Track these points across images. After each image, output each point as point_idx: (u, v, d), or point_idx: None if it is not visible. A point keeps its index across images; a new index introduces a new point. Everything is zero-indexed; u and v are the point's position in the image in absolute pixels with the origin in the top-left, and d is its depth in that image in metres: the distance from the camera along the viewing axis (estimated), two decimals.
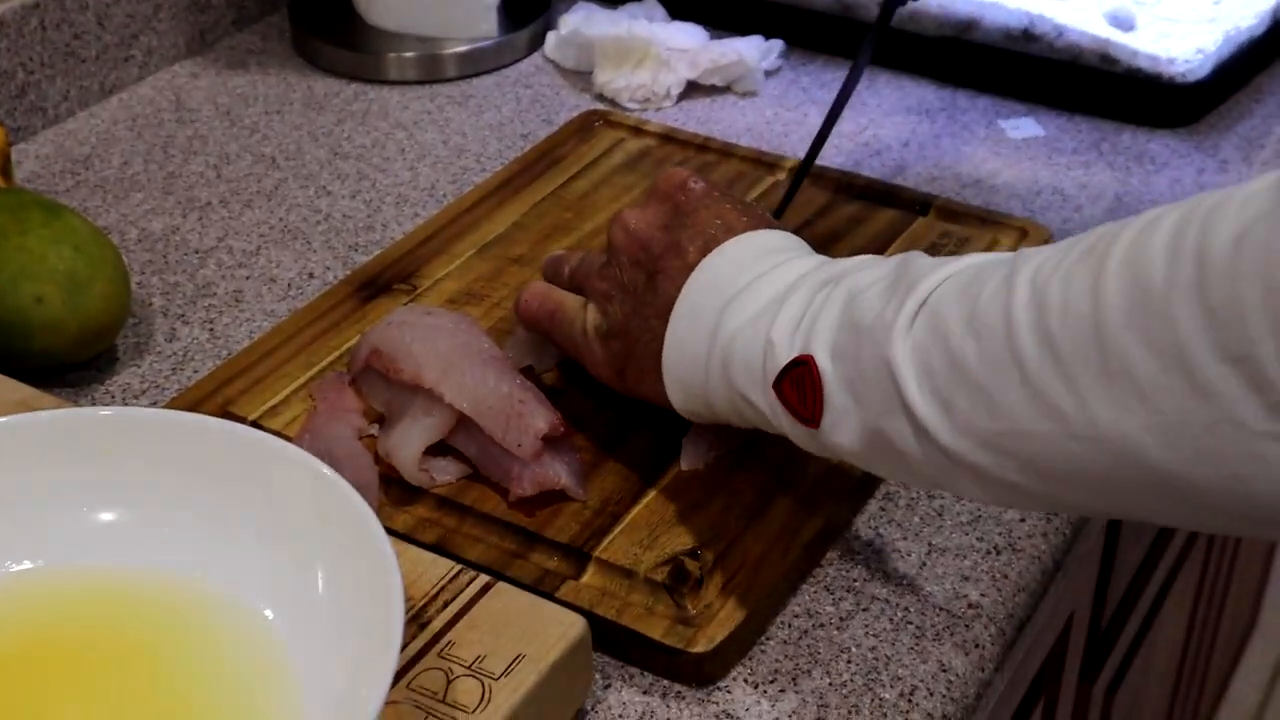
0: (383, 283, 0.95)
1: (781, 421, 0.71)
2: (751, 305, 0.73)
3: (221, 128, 1.16)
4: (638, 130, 1.13)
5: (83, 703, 0.62)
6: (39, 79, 1.14)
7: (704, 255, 0.77)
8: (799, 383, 0.69)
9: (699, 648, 0.69)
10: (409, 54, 1.24)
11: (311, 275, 0.99)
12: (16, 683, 0.62)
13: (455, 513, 0.78)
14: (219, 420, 0.69)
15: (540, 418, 0.78)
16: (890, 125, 1.14)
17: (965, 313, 0.63)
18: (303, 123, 1.17)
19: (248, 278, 0.99)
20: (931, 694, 0.70)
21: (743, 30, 1.24)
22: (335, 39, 1.25)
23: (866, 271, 0.70)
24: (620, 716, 0.69)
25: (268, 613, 0.64)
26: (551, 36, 1.26)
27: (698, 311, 0.75)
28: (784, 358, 0.69)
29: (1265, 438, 0.52)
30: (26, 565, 0.66)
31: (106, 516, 0.67)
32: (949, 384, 0.63)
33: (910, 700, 0.69)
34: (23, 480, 0.67)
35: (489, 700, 0.63)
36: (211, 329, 0.94)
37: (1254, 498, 0.55)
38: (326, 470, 0.65)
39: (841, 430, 0.68)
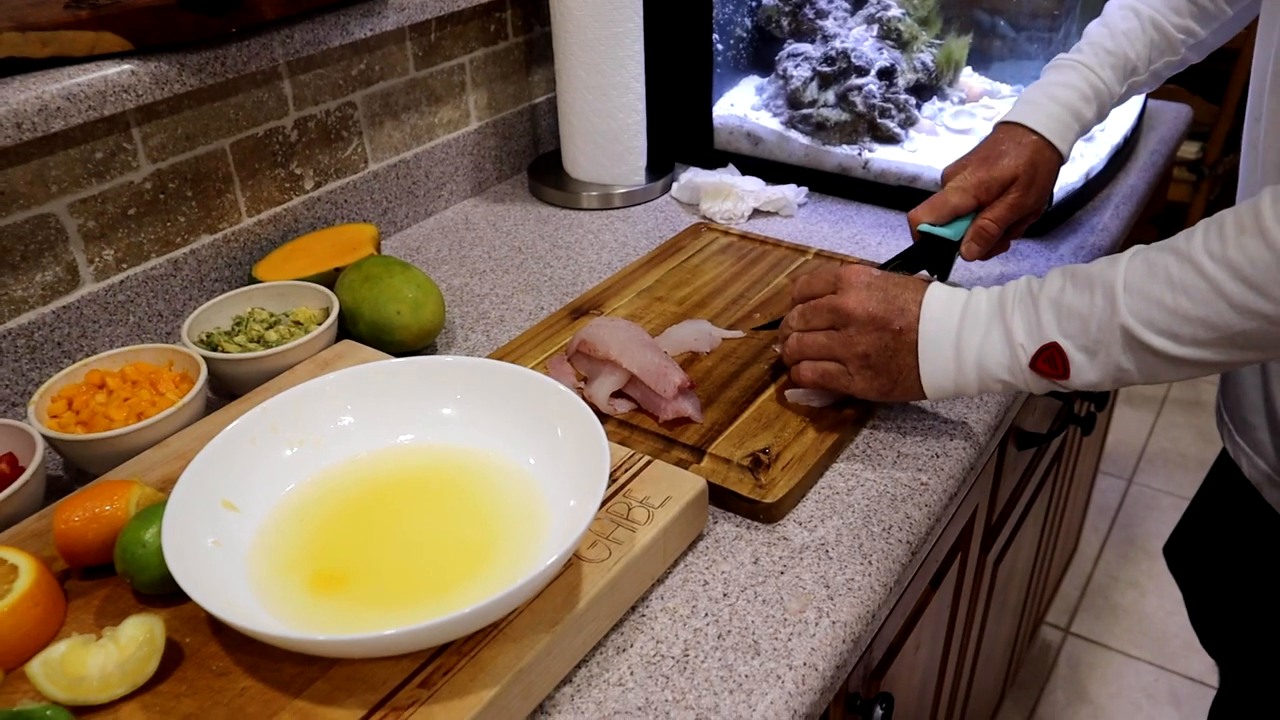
0: (582, 309, 0.94)
1: (1032, 383, 0.68)
2: (978, 329, 0.69)
3: (490, 233, 1.14)
4: (725, 233, 1.09)
5: (430, 510, 0.62)
6: (395, 204, 1.13)
7: (917, 309, 0.71)
8: (1050, 360, 0.66)
9: (768, 500, 0.69)
10: (594, 193, 1.19)
11: (542, 309, 0.98)
12: (397, 499, 0.63)
13: (628, 429, 0.77)
14: (506, 363, 0.68)
15: (677, 375, 0.77)
16: (871, 234, 1.11)
17: (1165, 283, 0.61)
18: (535, 230, 1.14)
19: (507, 309, 0.98)
20: (900, 530, 0.69)
21: (784, 181, 1.19)
22: (553, 185, 1.21)
23: (1047, 285, 0.67)
24: (722, 537, 0.69)
25: (531, 460, 0.64)
26: (676, 184, 1.21)
27: (937, 344, 0.70)
28: (1034, 347, 0.67)
29: None
30: (408, 437, 0.67)
31: (446, 411, 0.67)
32: (1172, 324, 0.61)
33: (888, 534, 0.69)
34: (407, 390, 0.68)
35: (651, 520, 0.63)
36: (488, 335, 0.94)
37: None
38: (564, 388, 0.65)
39: (1085, 374, 0.66)
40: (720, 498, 0.71)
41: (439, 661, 0.54)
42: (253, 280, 0.95)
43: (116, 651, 0.54)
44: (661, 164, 1.25)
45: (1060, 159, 0.90)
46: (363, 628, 0.54)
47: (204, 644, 0.57)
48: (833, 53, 1.17)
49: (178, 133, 0.90)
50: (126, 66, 0.82)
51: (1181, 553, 1.07)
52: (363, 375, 0.68)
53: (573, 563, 0.60)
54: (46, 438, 0.73)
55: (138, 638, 0.54)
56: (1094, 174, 1.14)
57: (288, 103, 0.99)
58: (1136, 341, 0.62)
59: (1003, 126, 0.90)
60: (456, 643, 0.55)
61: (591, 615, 0.59)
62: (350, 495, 0.63)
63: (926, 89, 1.22)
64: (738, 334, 0.89)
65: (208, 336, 0.86)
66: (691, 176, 1.20)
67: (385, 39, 1.07)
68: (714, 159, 1.25)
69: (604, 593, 0.59)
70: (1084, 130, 0.91)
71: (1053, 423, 1.13)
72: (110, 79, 0.81)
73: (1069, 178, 1.09)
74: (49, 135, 0.80)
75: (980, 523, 0.99)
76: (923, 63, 1.19)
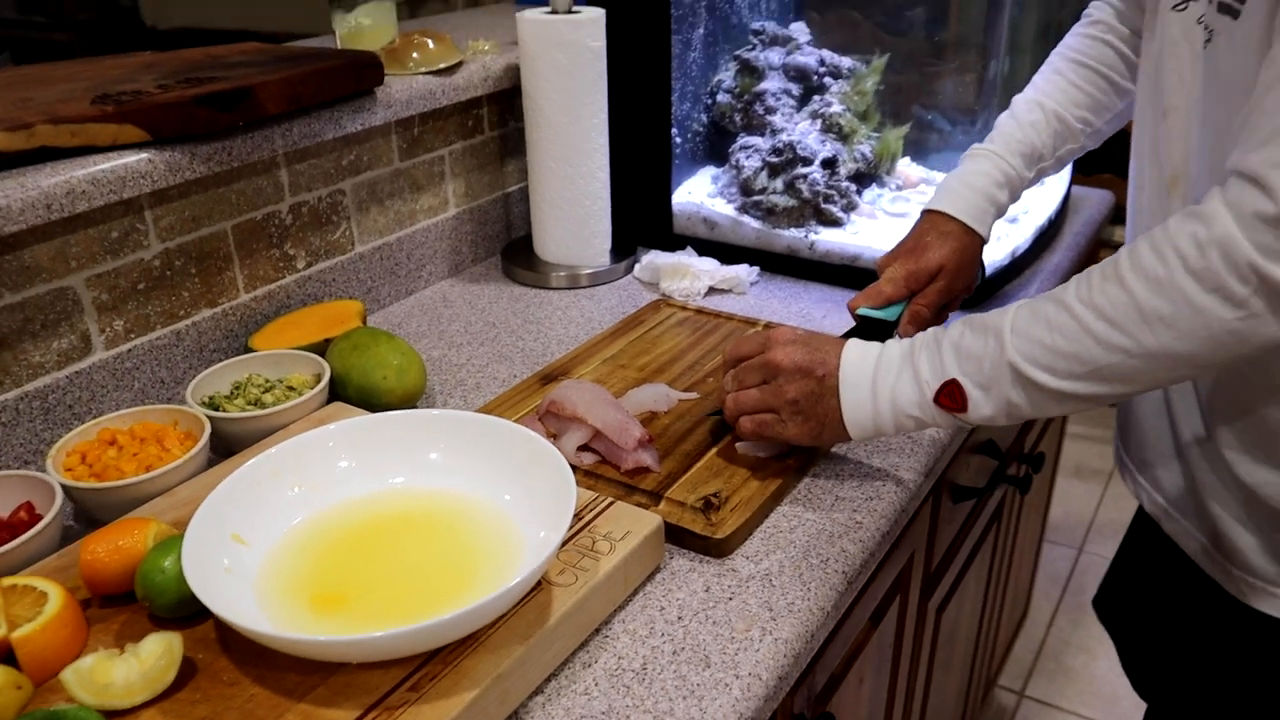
0: (551, 376, 1.01)
1: (938, 418, 0.77)
2: (890, 373, 0.78)
3: (467, 310, 1.22)
4: (683, 308, 1.18)
5: (419, 541, 0.70)
6: (379, 283, 1.22)
7: (837, 358, 0.80)
8: (950, 394, 0.76)
9: (718, 536, 0.77)
10: (562, 273, 1.28)
11: (515, 376, 1.05)
12: (390, 532, 0.70)
13: (594, 478, 0.84)
14: (485, 415, 0.77)
15: (636, 430, 0.85)
16: (818, 309, 1.19)
17: (1044, 326, 0.71)
18: (508, 308, 1.22)
19: (482, 377, 1.05)
20: (837, 562, 0.77)
21: (738, 261, 1.28)
22: (524, 266, 1.29)
23: (949, 333, 0.77)
24: (677, 570, 0.76)
25: (506, 497, 0.71)
26: (638, 265, 1.30)
27: (856, 387, 0.79)
28: (936, 384, 0.76)
29: (1228, 321, 0.64)
30: (400, 479, 0.75)
31: (433, 456, 0.75)
32: (1050, 360, 0.70)
33: (825, 565, 0.76)
34: (398, 439, 0.76)
35: (613, 551, 0.71)
36: (465, 399, 1.01)
37: (1223, 355, 0.66)
38: (536, 435, 0.73)
39: (981, 408, 0.75)
40: (676, 536, 0.79)
41: (426, 669, 0.62)
42: (248, 350, 1.03)
43: (138, 664, 0.61)
44: (624, 246, 1.35)
45: (982, 241, 1.02)
46: None
47: (215, 659, 0.64)
48: (780, 145, 1.30)
49: (185, 215, 1.00)
50: (144, 155, 0.92)
51: (1108, 601, 1.16)
52: (358, 426, 0.77)
53: (544, 586, 0.68)
54: (65, 487, 0.80)
55: (157, 651, 0.62)
56: (1019, 252, 1.25)
57: (284, 189, 1.09)
58: (1022, 377, 0.72)
59: (927, 214, 1.02)
60: (442, 653, 0.63)
61: (560, 632, 0.67)
62: (347, 529, 0.71)
63: (866, 177, 1.34)
64: (693, 396, 0.99)
65: (209, 399, 0.94)
66: (652, 258, 1.30)
67: (373, 132, 1.18)
68: (673, 242, 1.36)
69: (571, 612, 0.67)
70: (1000, 213, 1.03)
71: (988, 481, 1.22)
72: (130, 166, 0.91)
73: (997, 255, 1.19)
74: (73, 216, 0.90)
75: (919, 568, 1.07)
76: (862, 153, 1.32)
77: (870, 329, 0.96)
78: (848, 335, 0.97)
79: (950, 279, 0.98)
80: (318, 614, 0.64)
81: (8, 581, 0.66)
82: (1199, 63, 0.76)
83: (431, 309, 1.24)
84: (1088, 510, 2.51)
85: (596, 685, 0.66)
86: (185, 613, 0.66)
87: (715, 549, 0.78)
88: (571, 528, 0.73)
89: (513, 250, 1.36)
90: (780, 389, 0.82)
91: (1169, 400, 0.90)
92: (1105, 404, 0.75)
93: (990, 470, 1.25)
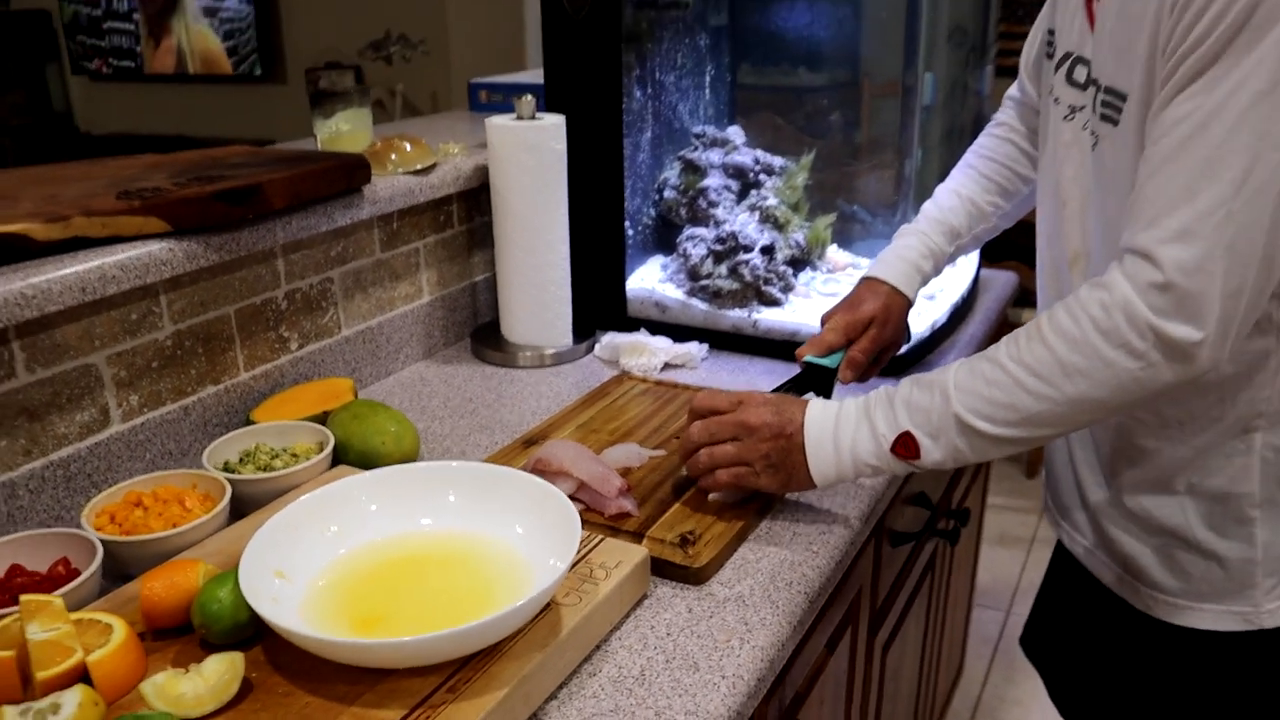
0: (533, 439, 1.11)
1: (894, 466, 0.89)
2: (849, 428, 0.90)
3: (444, 388, 1.32)
4: (643, 381, 1.29)
5: (445, 570, 0.80)
6: (362, 364, 1.32)
7: (802, 417, 0.92)
8: (904, 444, 0.88)
9: (696, 565, 0.88)
10: (529, 353, 1.39)
11: (497, 443, 1.15)
12: (416, 567, 0.80)
13: (582, 522, 0.88)
14: (495, 464, 0.88)
15: (616, 480, 0.96)
16: (763, 379, 1.31)
17: (983, 381, 0.84)
18: (482, 385, 1.32)
19: (467, 445, 1.15)
20: (799, 585, 0.88)
21: (689, 339, 1.41)
22: (493, 347, 1.40)
23: (899, 391, 0.89)
24: (661, 596, 0.87)
25: (519, 530, 0.82)
26: (598, 345, 1.42)
27: (820, 443, 0.91)
28: (892, 436, 0.88)
29: (1133, 371, 0.77)
30: (425, 521, 0.85)
31: (451, 499, 0.85)
32: (991, 411, 0.83)
33: (789, 587, 0.87)
34: (420, 485, 0.86)
35: (609, 577, 0.82)
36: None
37: (1129, 399, 0.80)
38: (541, 480, 0.85)
39: (932, 454, 0.87)
40: (658, 568, 0.90)
41: (460, 675, 0.71)
42: (249, 423, 1.12)
43: (202, 681, 0.69)
44: (584, 329, 1.48)
45: (908, 302, 1.17)
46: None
47: (268, 676, 0.73)
48: (724, 235, 1.45)
49: (195, 300, 1.10)
50: (166, 244, 1.03)
51: (1034, 638, 1.29)
52: (382, 475, 0.87)
53: (553, 606, 0.78)
54: (103, 541, 0.88)
55: (220, 668, 0.70)
56: (939, 325, 1.41)
57: (280, 277, 1.20)
58: (966, 426, 0.85)
59: (864, 280, 1.18)
60: (472, 660, 0.72)
61: (570, 643, 0.77)
62: (379, 564, 0.81)
63: (800, 262, 1.50)
64: (661, 453, 1.10)
65: (224, 464, 1.03)
66: (611, 338, 1.42)
67: (359, 226, 1.30)
68: (628, 324, 1.49)
69: (579, 626, 0.77)
70: (924, 281, 1.19)
71: (920, 529, 1.35)
72: (153, 254, 1.01)
73: (919, 328, 1.34)
74: (100, 299, 0.99)
75: (866, 604, 1.19)
76: (796, 241, 1.48)
77: (814, 374, 1.11)
78: (793, 380, 1.11)
79: (880, 328, 1.14)
80: (359, 633, 0.73)
81: (75, 615, 0.74)
82: (1089, 162, 0.93)
83: (411, 387, 1.34)
84: (1013, 575, 2.66)
85: (603, 689, 0.76)
86: (236, 639, 0.75)
87: (694, 577, 0.89)
88: (574, 559, 0.83)
89: (481, 333, 1.48)
90: (755, 446, 0.94)
91: (1072, 453, 1.05)
92: (1036, 445, 0.89)
93: (923, 519, 1.38)
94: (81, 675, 0.70)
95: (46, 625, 0.71)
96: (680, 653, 0.80)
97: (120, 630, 0.73)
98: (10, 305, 0.91)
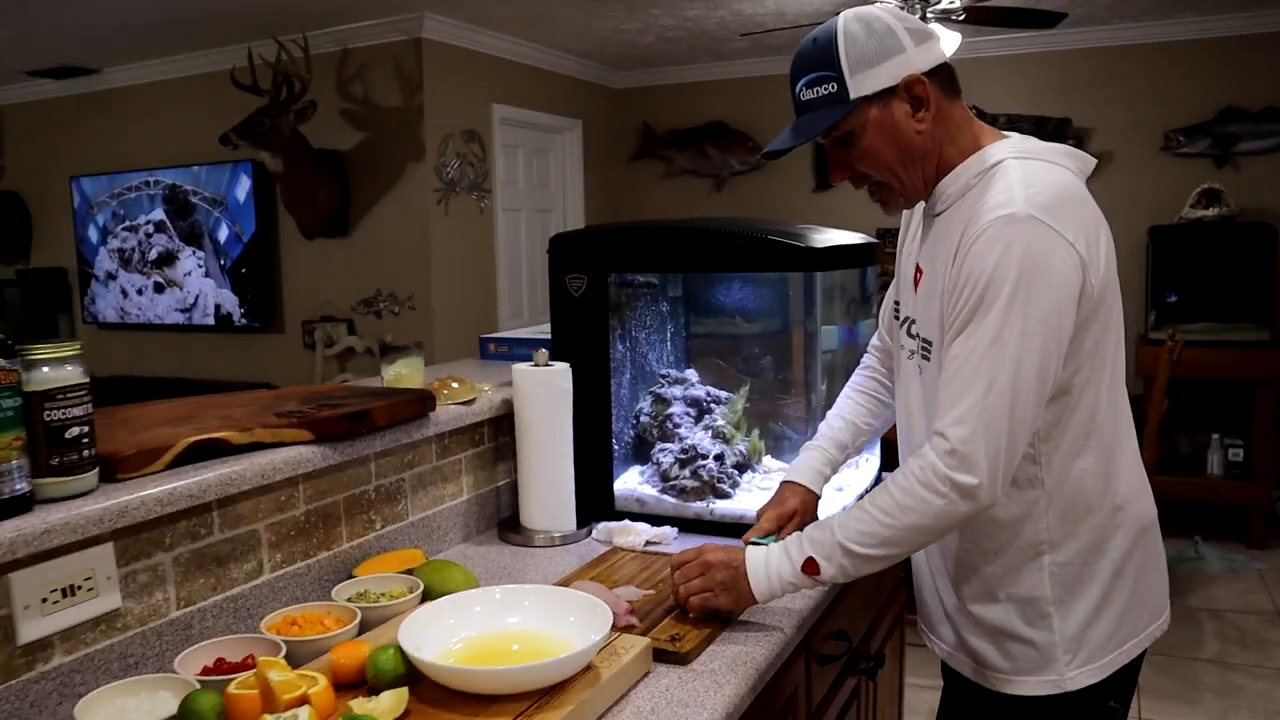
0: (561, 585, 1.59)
1: (805, 582, 1.31)
2: (775, 559, 1.33)
3: (482, 560, 1.70)
4: (631, 552, 1.72)
5: (523, 645, 1.21)
6: (421, 543, 1.73)
7: (743, 556, 1.36)
8: (810, 565, 1.32)
9: (682, 651, 1.30)
10: (542, 537, 1.78)
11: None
12: (505, 641, 1.22)
13: None
14: (555, 586, 1.35)
15: (624, 605, 1.40)
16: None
17: (854, 520, 1.30)
18: (510, 558, 1.71)
19: (514, 577, 1.61)
20: (752, 663, 1.29)
21: (663, 524, 1.80)
22: (515, 532, 1.80)
23: (806, 531, 1.33)
24: (659, 673, 1.28)
25: (571, 619, 1.26)
26: (595, 530, 1.83)
27: (755, 571, 1.34)
28: (801, 560, 1.32)
29: (942, 505, 1.23)
30: (512, 620, 1.27)
31: (526, 603, 1.28)
32: (861, 538, 1.28)
33: (745, 666, 1.29)
34: (507, 598, 1.30)
35: (627, 652, 1.24)
36: None
37: (944, 526, 1.24)
38: (585, 594, 1.31)
39: (827, 571, 1.31)
40: (657, 656, 1.32)
41: (538, 703, 1.14)
42: (351, 577, 1.55)
43: (384, 704, 1.11)
44: (584, 518, 1.92)
45: (818, 496, 1.67)
46: None
47: (419, 707, 1.14)
48: (686, 447, 1.95)
49: (320, 489, 1.56)
50: (309, 449, 1.50)
51: None
52: (483, 590, 1.32)
53: (593, 668, 1.22)
54: (286, 642, 1.30)
55: (391, 698, 1.12)
56: (848, 509, 1.89)
57: (372, 476, 1.67)
58: (846, 549, 1.33)
59: (784, 483, 1.67)
60: (545, 694, 1.15)
61: (606, 689, 1.19)
62: (484, 637, 1.24)
63: (743, 466, 1.99)
64: (651, 592, 1.55)
65: (349, 599, 1.46)
66: (605, 525, 1.87)
67: (423, 441, 1.78)
68: (617, 515, 1.94)
69: (612, 677, 1.20)
70: (827, 480, 1.69)
71: (842, 653, 1.78)
72: (301, 454, 1.48)
73: (836, 511, 1.83)
74: (265, 485, 1.45)
75: (802, 707, 1.60)
76: (740, 451, 1.98)
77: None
78: None
79: (802, 517, 1.62)
80: None
81: (296, 670, 1.16)
82: (919, 385, 1.46)
83: (458, 559, 1.77)
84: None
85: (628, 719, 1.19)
86: (394, 686, 1.17)
87: (681, 660, 1.32)
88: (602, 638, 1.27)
89: (505, 523, 1.93)
90: (714, 577, 1.40)
91: (934, 578, 1.53)
92: (894, 562, 1.36)
93: (844, 649, 1.81)
94: (304, 702, 1.12)
95: (280, 672, 1.13)
96: (677, 700, 1.23)
97: (322, 678, 1.15)
98: (218, 485, 1.36)
